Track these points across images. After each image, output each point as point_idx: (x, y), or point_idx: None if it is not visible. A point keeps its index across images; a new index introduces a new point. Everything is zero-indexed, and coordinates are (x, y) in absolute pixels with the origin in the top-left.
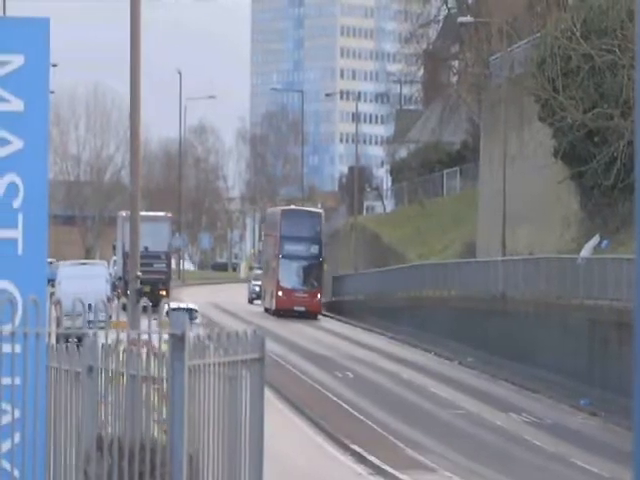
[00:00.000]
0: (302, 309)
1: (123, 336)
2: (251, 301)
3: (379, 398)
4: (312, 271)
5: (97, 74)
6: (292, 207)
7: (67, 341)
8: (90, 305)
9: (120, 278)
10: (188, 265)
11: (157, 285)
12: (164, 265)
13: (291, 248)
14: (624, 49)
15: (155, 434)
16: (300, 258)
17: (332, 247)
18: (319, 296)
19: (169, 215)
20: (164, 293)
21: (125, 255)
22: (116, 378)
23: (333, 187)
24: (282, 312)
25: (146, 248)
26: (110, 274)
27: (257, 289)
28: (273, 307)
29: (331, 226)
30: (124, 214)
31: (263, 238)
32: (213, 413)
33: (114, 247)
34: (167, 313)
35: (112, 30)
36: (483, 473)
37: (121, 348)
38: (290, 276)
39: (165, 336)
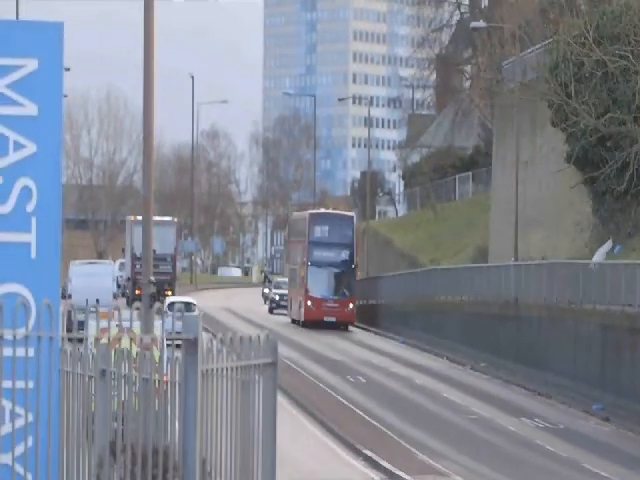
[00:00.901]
0: (332, 320)
1: (104, 324)
2: (271, 311)
3: (391, 403)
4: (343, 279)
5: (110, 78)
6: (322, 210)
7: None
8: (97, 300)
9: (128, 279)
10: (235, 272)
11: (163, 285)
12: (170, 267)
13: (321, 254)
14: (637, 55)
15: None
16: (330, 265)
17: None
18: (351, 306)
19: (175, 220)
20: (169, 293)
21: (133, 257)
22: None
23: (345, 192)
24: (311, 324)
25: (154, 251)
26: (121, 276)
27: (277, 297)
28: (301, 318)
29: None
30: (132, 218)
31: (288, 245)
32: (226, 417)
33: (123, 250)
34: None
35: (125, 35)
36: (495, 478)
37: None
38: (320, 285)
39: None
